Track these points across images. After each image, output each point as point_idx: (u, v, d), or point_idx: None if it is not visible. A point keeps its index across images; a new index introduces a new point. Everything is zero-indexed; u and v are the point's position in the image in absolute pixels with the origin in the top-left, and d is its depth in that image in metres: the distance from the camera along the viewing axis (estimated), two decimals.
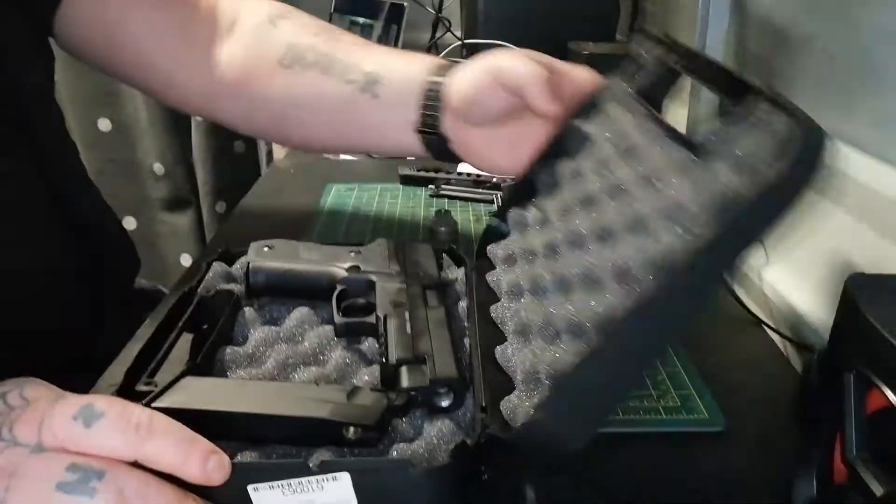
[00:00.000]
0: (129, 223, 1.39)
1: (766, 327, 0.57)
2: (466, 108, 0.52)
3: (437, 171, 0.85)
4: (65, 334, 0.52)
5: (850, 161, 0.53)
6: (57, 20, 0.56)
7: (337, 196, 0.83)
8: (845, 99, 0.55)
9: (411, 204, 0.81)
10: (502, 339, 0.42)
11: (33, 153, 0.52)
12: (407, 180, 0.86)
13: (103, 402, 0.30)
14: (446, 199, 0.82)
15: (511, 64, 0.51)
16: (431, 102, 0.54)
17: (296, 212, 0.79)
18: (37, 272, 0.51)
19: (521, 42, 0.98)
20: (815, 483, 0.34)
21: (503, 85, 0.50)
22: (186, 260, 1.40)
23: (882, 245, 0.49)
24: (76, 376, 0.36)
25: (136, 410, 0.31)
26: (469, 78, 0.52)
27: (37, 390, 0.33)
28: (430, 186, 0.84)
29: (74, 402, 0.31)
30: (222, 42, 0.60)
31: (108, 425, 0.30)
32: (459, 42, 1.04)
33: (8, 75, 0.49)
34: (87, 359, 0.40)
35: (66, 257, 0.56)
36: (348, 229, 0.74)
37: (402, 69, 0.56)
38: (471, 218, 0.77)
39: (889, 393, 0.28)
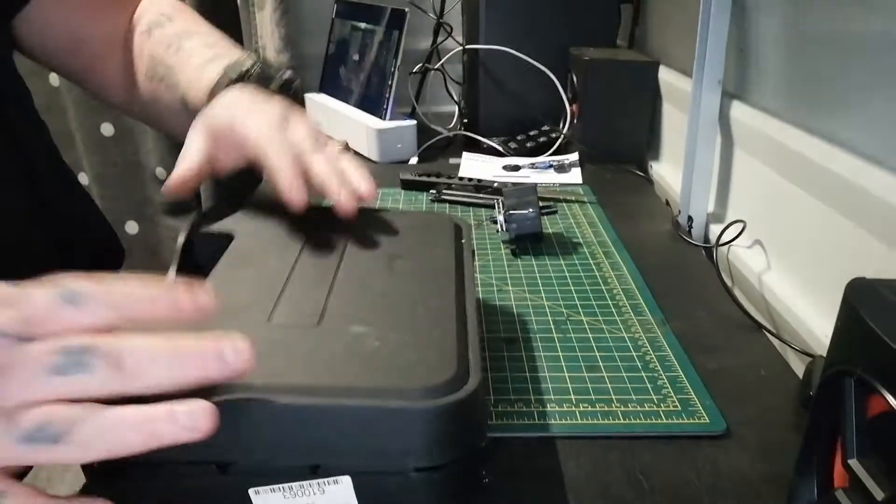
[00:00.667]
0: (132, 227, 1.40)
1: (766, 332, 0.57)
2: None
3: (437, 175, 0.85)
4: None
5: (849, 166, 0.53)
6: (18, 21, 0.58)
7: None
8: (845, 103, 0.56)
9: (412, 209, 0.81)
10: None
11: (5, 133, 0.53)
12: (408, 185, 0.86)
13: (82, 284, 0.29)
14: (447, 204, 0.83)
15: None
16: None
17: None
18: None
19: (523, 48, 0.99)
20: (815, 487, 0.34)
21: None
22: None
23: (882, 250, 0.49)
24: None
25: (116, 283, 0.30)
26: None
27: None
28: (431, 191, 0.84)
29: (49, 286, 0.29)
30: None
31: (95, 303, 0.29)
32: (461, 47, 1.04)
33: None
34: None
35: (35, 233, 0.56)
36: None
37: (196, 89, 0.56)
38: (472, 222, 0.77)
39: (890, 398, 0.28)
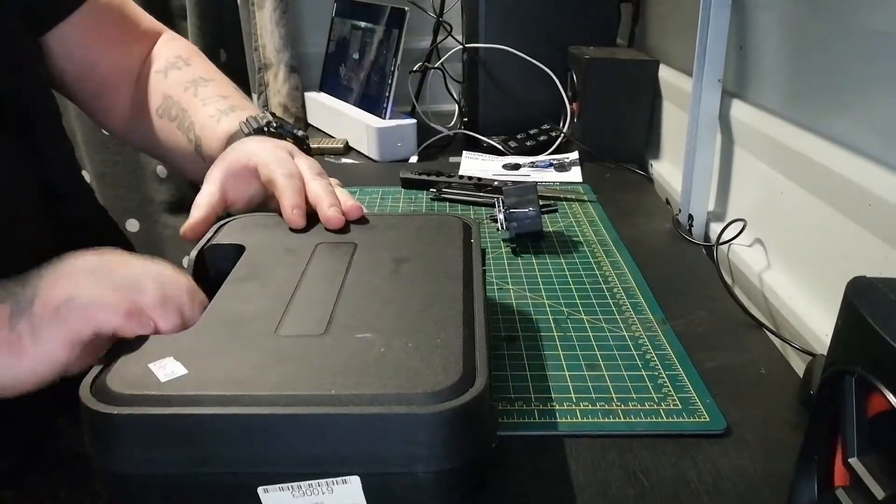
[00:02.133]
0: (133, 225, 1.39)
1: (766, 331, 0.57)
2: None
3: (438, 174, 0.85)
4: None
5: (849, 164, 0.53)
6: (46, 40, 0.60)
7: None
8: (845, 102, 0.56)
9: (412, 207, 0.81)
10: None
11: (28, 146, 0.54)
12: (408, 184, 0.86)
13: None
14: (447, 203, 0.83)
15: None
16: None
17: None
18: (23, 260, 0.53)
19: (523, 46, 0.99)
20: (815, 486, 0.34)
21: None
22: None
23: (883, 248, 0.49)
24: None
25: None
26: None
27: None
28: (431, 190, 0.84)
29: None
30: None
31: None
32: (460, 46, 1.04)
33: (8, 68, 0.52)
34: None
35: (55, 251, 0.58)
36: None
37: (213, 138, 0.62)
38: None
39: (890, 396, 0.28)
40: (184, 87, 0.67)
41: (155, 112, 0.67)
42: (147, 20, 0.71)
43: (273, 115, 0.63)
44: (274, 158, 0.55)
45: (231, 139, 0.60)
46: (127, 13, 0.68)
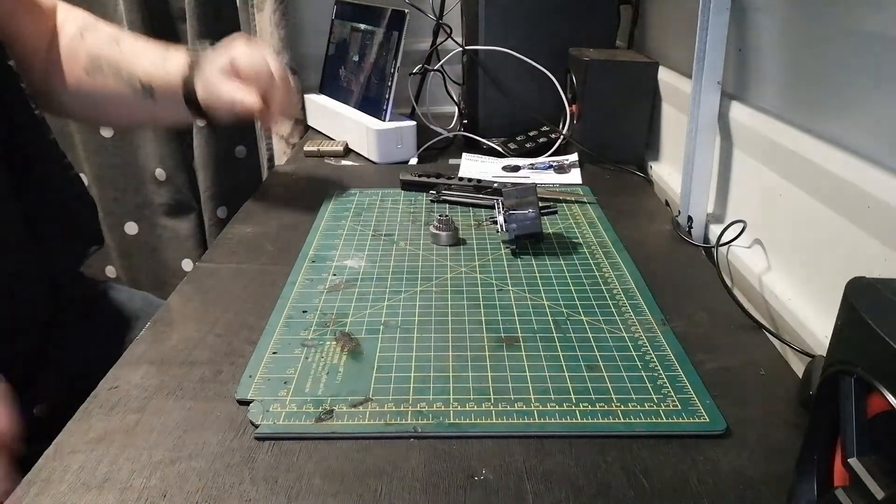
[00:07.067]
0: (131, 228, 1.39)
1: (766, 332, 0.57)
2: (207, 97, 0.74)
3: (437, 176, 0.85)
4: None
5: (849, 167, 0.53)
6: None
7: (338, 201, 0.83)
8: (844, 104, 0.56)
9: (412, 209, 0.81)
10: None
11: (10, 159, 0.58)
12: (408, 185, 0.86)
13: None
14: (447, 205, 0.83)
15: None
16: (189, 95, 0.74)
17: (297, 217, 0.79)
18: None
19: (522, 48, 0.99)
20: (815, 486, 0.34)
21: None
22: (188, 265, 1.40)
23: (881, 250, 0.49)
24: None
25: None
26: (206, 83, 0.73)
27: None
28: (430, 192, 0.84)
29: None
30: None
31: None
32: (460, 48, 1.04)
33: None
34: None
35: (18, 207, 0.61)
36: (350, 233, 0.74)
37: (164, 78, 0.74)
38: (472, 223, 0.78)
39: (889, 396, 0.28)
40: (106, 43, 0.75)
41: (84, 72, 0.74)
42: None
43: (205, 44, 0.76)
44: (253, 61, 0.72)
45: (188, 74, 0.73)
46: None
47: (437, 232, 0.72)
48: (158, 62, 0.74)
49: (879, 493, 0.28)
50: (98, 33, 0.76)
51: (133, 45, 0.76)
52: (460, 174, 0.90)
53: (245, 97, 0.70)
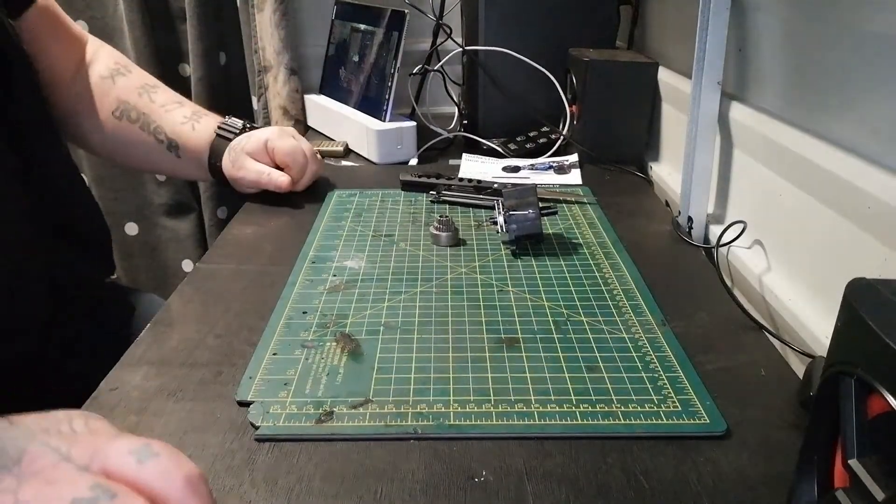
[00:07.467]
0: (132, 229, 1.39)
1: (766, 332, 0.57)
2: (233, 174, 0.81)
3: (437, 177, 0.85)
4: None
5: (850, 167, 0.53)
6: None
7: (338, 201, 0.83)
8: (845, 104, 0.56)
9: (412, 210, 0.81)
10: None
11: (9, 128, 0.59)
12: (408, 186, 0.86)
13: (160, 446, 0.31)
14: (447, 205, 0.83)
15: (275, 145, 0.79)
16: (214, 161, 0.81)
17: (297, 217, 0.79)
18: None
19: (522, 49, 0.99)
20: (815, 488, 0.34)
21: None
22: (188, 266, 1.40)
23: (882, 250, 0.49)
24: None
25: (191, 465, 0.31)
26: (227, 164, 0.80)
27: (101, 423, 0.34)
28: (430, 192, 0.84)
29: (135, 439, 0.31)
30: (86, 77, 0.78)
31: (157, 467, 0.30)
32: (460, 49, 1.04)
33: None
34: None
35: (34, 227, 0.62)
36: (350, 234, 0.74)
37: (191, 138, 0.79)
38: (472, 223, 0.78)
39: (890, 398, 0.28)
40: (137, 92, 0.79)
41: (111, 114, 0.78)
42: (75, 25, 0.80)
43: (237, 118, 0.82)
44: (289, 147, 0.79)
45: (216, 147, 0.79)
46: (60, 15, 0.77)
47: (438, 232, 0.72)
48: (187, 121, 0.79)
49: (880, 495, 0.28)
50: (130, 79, 0.80)
51: (164, 98, 0.80)
52: (460, 175, 0.90)
53: (278, 178, 0.78)
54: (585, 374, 0.50)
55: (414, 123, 1.00)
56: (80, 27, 0.81)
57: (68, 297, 0.65)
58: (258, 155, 0.79)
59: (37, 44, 0.70)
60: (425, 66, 1.09)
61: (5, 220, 0.56)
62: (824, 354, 0.41)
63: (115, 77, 0.79)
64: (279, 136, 0.79)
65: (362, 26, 1.08)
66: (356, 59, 1.09)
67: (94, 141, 0.80)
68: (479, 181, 0.84)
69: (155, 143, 0.79)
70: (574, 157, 0.97)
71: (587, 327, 0.56)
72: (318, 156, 0.86)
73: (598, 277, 0.65)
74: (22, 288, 0.58)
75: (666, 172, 0.91)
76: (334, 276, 0.65)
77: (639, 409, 0.47)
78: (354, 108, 1.07)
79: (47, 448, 0.30)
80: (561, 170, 0.94)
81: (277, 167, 0.80)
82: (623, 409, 0.46)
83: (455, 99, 1.12)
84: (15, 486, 0.29)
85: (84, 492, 0.29)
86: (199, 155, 0.80)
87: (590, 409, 0.46)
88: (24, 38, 0.66)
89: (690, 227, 0.76)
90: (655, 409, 0.47)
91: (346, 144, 1.05)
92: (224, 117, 0.82)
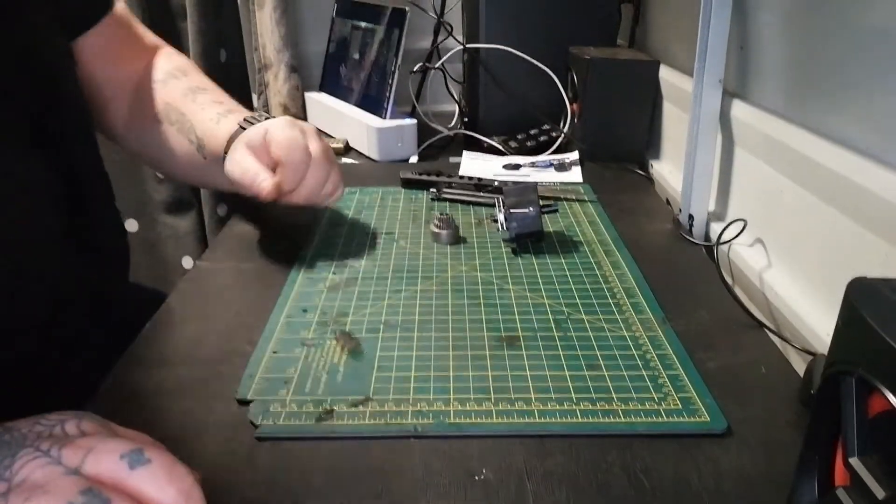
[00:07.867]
0: (131, 225, 1.39)
1: (767, 330, 0.57)
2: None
3: (438, 174, 0.85)
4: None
5: (850, 164, 0.53)
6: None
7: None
8: (846, 101, 0.55)
9: (413, 207, 0.81)
10: None
11: (50, 142, 0.56)
12: (408, 184, 0.86)
13: (153, 451, 0.31)
14: (448, 203, 0.83)
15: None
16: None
17: (297, 215, 0.79)
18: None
19: (523, 47, 0.99)
20: (816, 486, 0.34)
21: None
22: (188, 262, 1.40)
23: (883, 248, 0.49)
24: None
25: (183, 471, 0.31)
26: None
27: (93, 425, 0.34)
28: (431, 190, 0.84)
29: (127, 442, 0.31)
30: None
31: (149, 474, 0.30)
32: (461, 46, 1.04)
33: (44, 77, 0.55)
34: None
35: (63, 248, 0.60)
36: (350, 232, 0.74)
37: (214, 137, 0.68)
38: (472, 221, 0.77)
39: (890, 396, 0.28)
40: (182, 94, 0.72)
41: (154, 118, 0.71)
42: (150, 37, 0.76)
43: (268, 114, 0.69)
44: (286, 138, 0.62)
45: (232, 138, 0.65)
46: (135, 29, 0.74)
47: (438, 230, 0.71)
48: (214, 119, 0.68)
49: (880, 493, 0.28)
50: (181, 82, 0.73)
51: (207, 98, 0.71)
52: (461, 172, 0.90)
53: (261, 182, 0.60)
54: (586, 373, 0.50)
55: (414, 121, 1.00)
56: (157, 39, 0.77)
57: (68, 296, 0.65)
58: (256, 148, 0.62)
59: (102, 58, 0.68)
60: (426, 63, 1.09)
61: (39, 240, 0.56)
62: (825, 352, 0.41)
63: (167, 81, 0.72)
64: (281, 126, 0.63)
65: (363, 24, 1.08)
66: (357, 56, 1.09)
67: (133, 148, 0.76)
68: (479, 179, 0.84)
69: (188, 146, 0.70)
70: (575, 155, 0.97)
71: (587, 325, 0.56)
72: (334, 159, 0.68)
73: (599, 275, 0.65)
74: (22, 288, 0.58)
75: (667, 170, 0.91)
76: (334, 274, 0.65)
77: (639, 407, 0.46)
78: (355, 105, 1.07)
79: (39, 452, 0.30)
80: (562, 167, 0.94)
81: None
82: (623, 407, 0.46)
83: (456, 97, 1.12)
84: (5, 491, 0.29)
85: (75, 497, 0.29)
86: (218, 155, 0.66)
87: (590, 407, 0.46)
88: (86, 53, 0.65)
89: (691, 225, 0.76)
90: (656, 407, 0.46)
91: (347, 142, 1.05)
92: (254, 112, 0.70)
